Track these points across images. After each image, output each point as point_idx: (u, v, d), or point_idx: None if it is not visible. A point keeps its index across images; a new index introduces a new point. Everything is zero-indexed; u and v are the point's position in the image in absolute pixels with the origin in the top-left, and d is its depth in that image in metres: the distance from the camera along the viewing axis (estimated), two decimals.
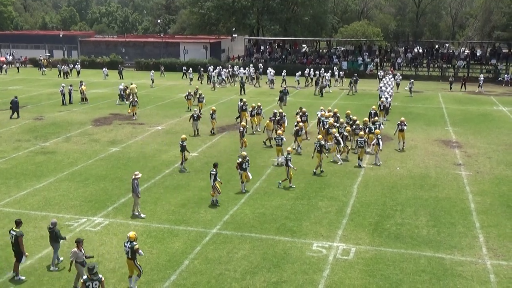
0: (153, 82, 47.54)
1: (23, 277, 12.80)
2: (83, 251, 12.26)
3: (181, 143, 21.22)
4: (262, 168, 21.72)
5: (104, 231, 15.56)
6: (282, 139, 22.03)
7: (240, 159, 18.61)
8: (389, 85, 39.48)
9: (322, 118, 25.78)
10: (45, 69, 58.55)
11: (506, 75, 51.72)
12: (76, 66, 57.50)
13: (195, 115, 27.57)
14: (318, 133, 24.28)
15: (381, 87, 37.71)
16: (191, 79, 49.49)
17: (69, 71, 55.04)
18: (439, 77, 53.92)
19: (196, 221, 16.28)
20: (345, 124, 23.83)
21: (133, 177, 16.47)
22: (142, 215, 16.56)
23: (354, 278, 12.85)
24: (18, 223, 12.98)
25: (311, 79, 48.63)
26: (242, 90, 42.32)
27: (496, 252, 14.26)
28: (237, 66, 53.28)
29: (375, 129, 23.52)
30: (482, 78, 47.24)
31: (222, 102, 38.66)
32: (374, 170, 21.67)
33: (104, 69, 54.56)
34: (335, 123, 24.78)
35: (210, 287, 12.44)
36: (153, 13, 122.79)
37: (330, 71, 49.21)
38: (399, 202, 17.98)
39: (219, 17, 73.07)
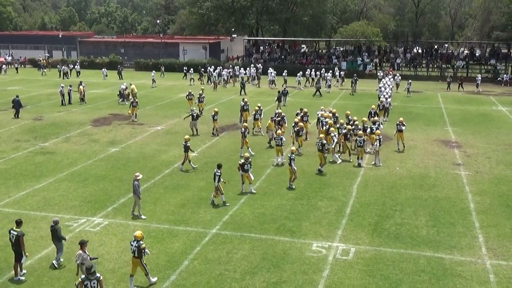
0: (154, 82, 47.56)
1: (22, 278, 12.80)
2: (87, 253, 12.26)
3: (184, 143, 21.25)
4: (262, 168, 21.72)
5: (103, 231, 15.56)
6: (282, 139, 22.05)
7: (242, 160, 18.59)
8: (388, 85, 39.51)
9: (322, 118, 25.79)
10: (45, 70, 58.54)
11: (505, 75, 51.76)
12: (76, 66, 57.51)
13: (194, 114, 27.57)
14: (319, 133, 24.29)
15: (380, 88, 37.75)
16: (191, 79, 49.44)
17: (69, 72, 55.04)
18: (438, 77, 53.92)
19: (196, 221, 16.28)
20: (345, 125, 23.85)
21: (134, 178, 16.47)
22: (143, 216, 16.55)
23: (353, 278, 12.85)
24: (19, 223, 12.98)
25: (312, 79, 48.66)
26: (243, 90, 42.33)
27: (496, 252, 14.27)
28: (237, 67, 53.32)
29: (376, 129, 23.52)
30: (480, 78, 47.31)
31: (221, 102, 38.65)
32: (373, 170, 21.68)
33: (103, 69, 54.55)
34: (335, 124, 24.80)
35: (209, 287, 12.45)
36: (152, 13, 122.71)
37: (331, 71, 49.25)
38: (399, 202, 17.99)
39: (219, 17, 73.09)
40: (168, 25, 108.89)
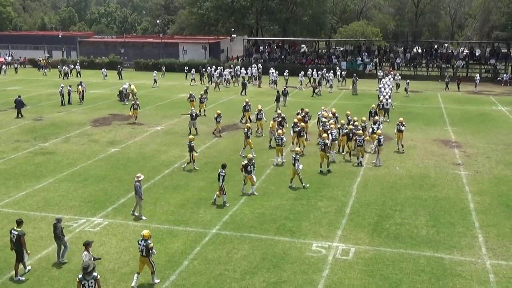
0: (155, 82, 47.46)
1: (22, 278, 12.81)
2: (91, 253, 12.28)
3: (188, 143, 21.26)
4: (261, 168, 21.71)
5: (103, 231, 15.56)
6: (282, 139, 22.05)
7: (245, 161, 18.55)
8: (388, 85, 39.49)
9: (322, 118, 25.77)
10: (45, 70, 58.52)
11: (505, 75, 51.77)
12: (76, 66, 57.51)
13: (193, 114, 27.57)
14: (320, 133, 24.29)
15: (380, 88, 37.73)
16: (192, 80, 49.37)
17: (69, 72, 55.04)
18: (438, 77, 53.94)
19: (196, 222, 16.28)
20: (346, 126, 23.84)
21: (135, 179, 16.46)
22: (143, 217, 16.53)
23: (353, 278, 12.86)
24: (19, 223, 12.99)
25: (314, 79, 48.66)
26: (244, 90, 42.31)
27: (496, 252, 14.27)
28: (238, 66, 53.30)
29: (377, 129, 23.50)
30: (478, 78, 47.30)
31: (221, 102, 38.65)
32: (373, 170, 21.68)
33: (103, 69, 54.56)
34: (335, 124, 24.79)
35: (209, 287, 12.45)
36: (152, 13, 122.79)
37: (332, 71, 49.25)
38: (399, 202, 17.99)
39: (218, 17, 73.09)
40: (168, 25, 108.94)
